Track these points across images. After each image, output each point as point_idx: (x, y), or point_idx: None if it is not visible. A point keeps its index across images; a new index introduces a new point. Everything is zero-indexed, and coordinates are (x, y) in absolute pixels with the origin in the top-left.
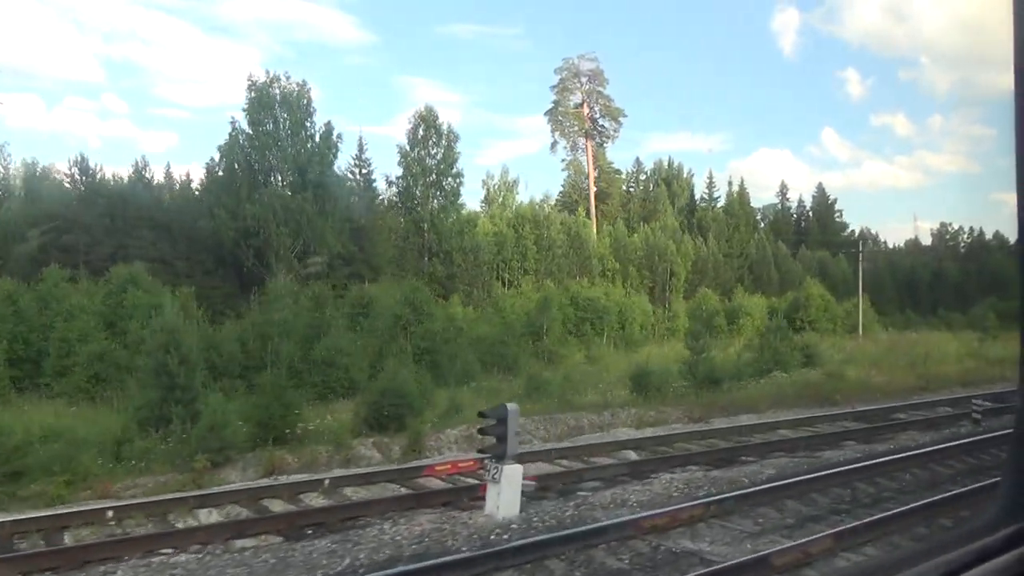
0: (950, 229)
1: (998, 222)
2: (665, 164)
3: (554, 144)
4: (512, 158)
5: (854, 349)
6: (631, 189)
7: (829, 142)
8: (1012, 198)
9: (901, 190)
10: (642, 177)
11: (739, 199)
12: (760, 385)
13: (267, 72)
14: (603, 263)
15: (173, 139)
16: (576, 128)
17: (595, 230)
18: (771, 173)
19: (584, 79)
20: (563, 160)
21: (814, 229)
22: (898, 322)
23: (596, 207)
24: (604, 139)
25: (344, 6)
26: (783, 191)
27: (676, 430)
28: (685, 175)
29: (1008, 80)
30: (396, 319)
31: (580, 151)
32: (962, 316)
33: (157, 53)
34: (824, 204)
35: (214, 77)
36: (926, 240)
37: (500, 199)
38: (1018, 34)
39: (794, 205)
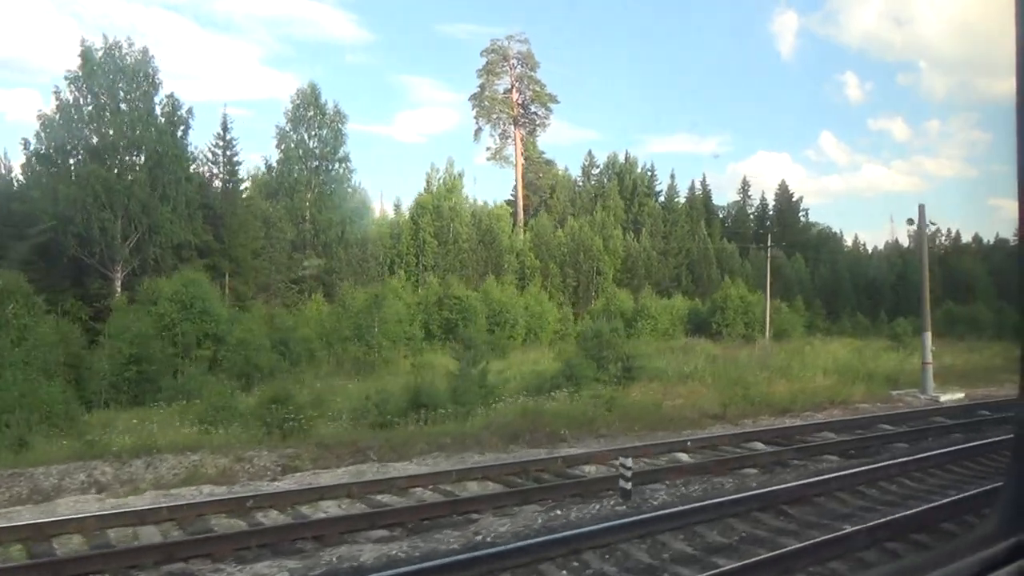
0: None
1: (996, 226)
2: (621, 158)
3: (478, 132)
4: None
5: (720, 358)
6: (581, 183)
7: (827, 146)
8: (1008, 203)
9: (899, 194)
10: (595, 171)
11: (703, 196)
12: (487, 414)
13: (105, 37)
14: (521, 260)
15: None
16: (505, 115)
17: (522, 224)
18: (770, 176)
19: (514, 62)
20: (488, 149)
21: (774, 229)
22: (842, 327)
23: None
24: (535, 127)
25: (344, 4)
26: (744, 188)
27: (163, 502)
28: (639, 170)
29: (1006, 84)
30: (159, 319)
31: (511, 140)
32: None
33: (156, 49)
34: (787, 203)
35: (213, 73)
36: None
37: (445, 193)
38: (1020, 39)
39: (756, 203)
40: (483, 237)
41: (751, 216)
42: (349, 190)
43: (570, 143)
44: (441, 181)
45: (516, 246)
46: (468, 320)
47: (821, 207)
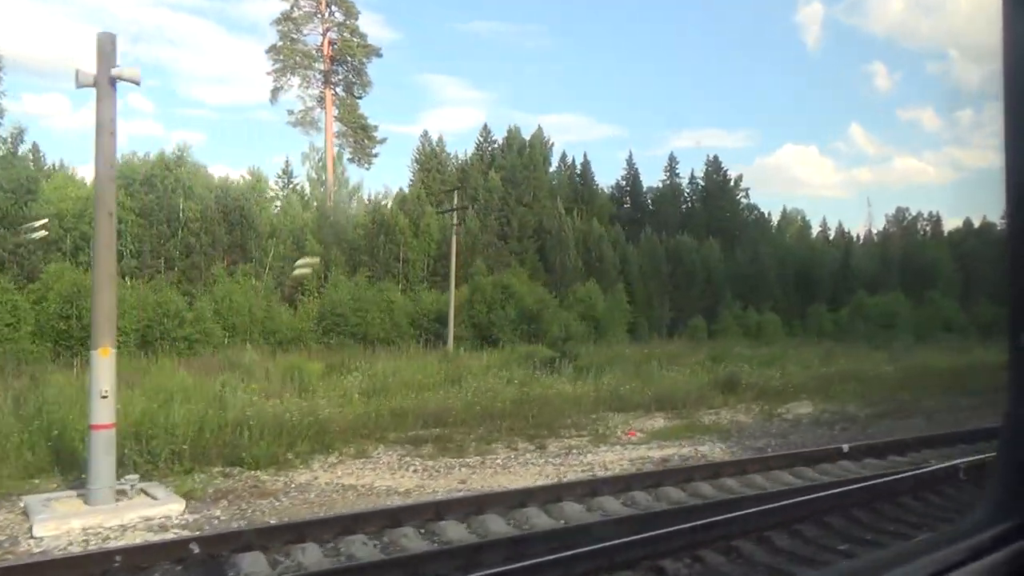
0: (907, 215)
1: None
2: (526, 134)
3: (276, 92)
4: None
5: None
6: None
7: (856, 137)
8: None
9: (930, 186)
10: (492, 147)
11: (631, 177)
12: None
13: None
14: (300, 245)
15: (200, 138)
16: (317, 73)
17: (331, 203)
18: (798, 169)
19: (326, 6)
20: (291, 113)
21: (697, 211)
22: (696, 328)
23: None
24: (352, 86)
25: (369, 4)
26: (672, 165)
27: None
28: (546, 144)
29: None
30: None
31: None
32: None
33: (184, 53)
34: (716, 182)
35: (240, 77)
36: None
37: (322, 177)
38: (1007, 32)
39: (685, 182)
40: (227, 216)
41: (689, 197)
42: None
43: (596, 140)
44: (314, 162)
45: (293, 227)
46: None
47: (848, 201)
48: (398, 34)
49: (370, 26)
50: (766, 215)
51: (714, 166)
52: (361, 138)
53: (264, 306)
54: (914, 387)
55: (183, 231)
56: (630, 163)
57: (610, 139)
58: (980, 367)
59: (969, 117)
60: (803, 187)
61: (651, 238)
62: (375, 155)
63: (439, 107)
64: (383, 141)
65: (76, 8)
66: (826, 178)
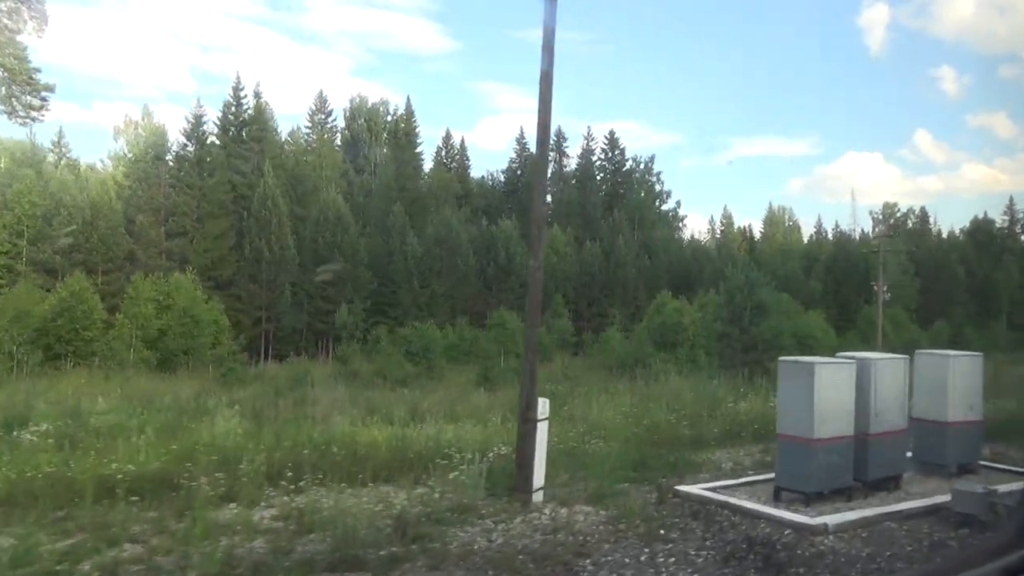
0: (897, 212)
1: None
2: (370, 104)
3: None
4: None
5: None
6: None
7: (923, 144)
8: None
9: (1003, 194)
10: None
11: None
12: None
13: None
14: None
15: None
16: None
17: None
18: (860, 178)
19: None
20: None
21: (569, 199)
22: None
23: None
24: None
25: (427, 14)
26: (559, 144)
27: None
28: (388, 116)
29: None
30: None
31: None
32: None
33: (249, 62)
34: (589, 166)
35: (304, 84)
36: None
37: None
38: None
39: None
40: None
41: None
42: None
43: (653, 147)
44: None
45: None
46: None
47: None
48: (455, 43)
49: (427, 35)
50: (657, 204)
51: (612, 145)
52: (9, 83)
53: None
54: None
55: None
56: (559, 146)
57: (667, 147)
58: None
59: None
60: (865, 196)
61: (448, 222)
62: (43, 108)
63: (496, 114)
64: (50, 88)
65: (148, 20)
66: (891, 187)
